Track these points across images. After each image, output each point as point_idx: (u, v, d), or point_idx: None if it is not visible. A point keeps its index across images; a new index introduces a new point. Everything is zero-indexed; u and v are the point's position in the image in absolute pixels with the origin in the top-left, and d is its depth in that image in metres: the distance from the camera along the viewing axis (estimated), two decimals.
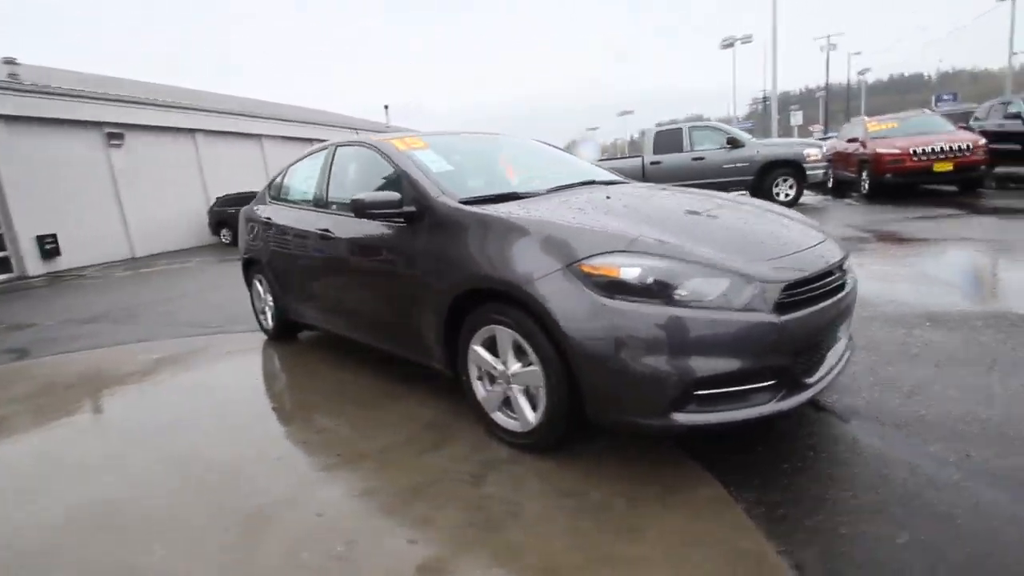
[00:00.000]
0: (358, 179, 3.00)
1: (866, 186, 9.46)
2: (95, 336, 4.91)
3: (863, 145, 9.65)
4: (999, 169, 9.79)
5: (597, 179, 2.83)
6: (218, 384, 3.31)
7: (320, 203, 3.18)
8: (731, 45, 27.24)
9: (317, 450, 2.28)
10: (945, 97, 31.69)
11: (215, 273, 9.14)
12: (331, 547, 1.63)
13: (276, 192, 3.81)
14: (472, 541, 1.60)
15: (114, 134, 13.99)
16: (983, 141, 8.32)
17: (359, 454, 2.21)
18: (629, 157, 11.84)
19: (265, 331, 4.15)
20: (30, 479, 2.29)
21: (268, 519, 1.81)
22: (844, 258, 2.00)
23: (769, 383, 1.69)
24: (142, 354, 4.03)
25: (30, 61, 12.99)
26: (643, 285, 1.67)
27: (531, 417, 1.99)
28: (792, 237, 1.97)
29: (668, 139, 10.43)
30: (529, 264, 1.86)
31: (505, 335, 1.99)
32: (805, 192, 9.70)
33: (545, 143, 3.54)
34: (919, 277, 4.02)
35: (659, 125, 11.17)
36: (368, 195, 2.39)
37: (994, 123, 9.62)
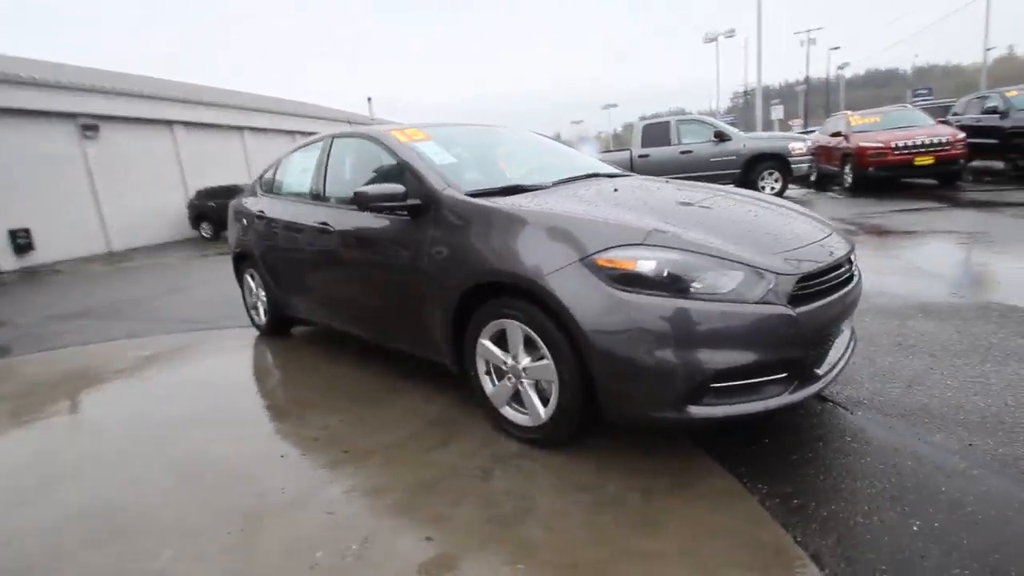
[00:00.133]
0: (357, 171, 2.95)
1: (849, 179, 9.62)
2: (80, 333, 4.77)
3: (846, 139, 9.81)
4: (975, 163, 10.04)
5: (600, 172, 2.82)
6: (214, 381, 3.24)
7: (317, 196, 3.12)
8: (714, 40, 27.41)
9: (322, 447, 2.25)
10: (920, 91, 32.33)
11: (198, 268, 8.95)
12: (346, 546, 1.61)
13: (269, 185, 3.73)
14: (489, 537, 1.59)
15: (89, 126, 13.55)
16: (962, 135, 8.52)
17: (365, 451, 2.18)
18: (617, 150, 11.86)
19: (257, 327, 4.07)
20: (25, 481, 2.21)
21: (277, 518, 1.78)
22: (851, 251, 2.02)
23: (782, 375, 1.70)
24: (132, 351, 3.93)
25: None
26: (659, 278, 1.67)
27: (542, 411, 1.99)
28: (801, 230, 1.99)
29: (656, 132, 10.47)
30: (543, 257, 1.84)
31: (516, 329, 1.98)
32: (788, 186, 9.83)
33: (543, 135, 3.52)
34: (907, 269, 4.11)
35: (643, 119, 11.21)
36: (371, 188, 2.35)
37: (971, 118, 9.85)
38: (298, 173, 3.42)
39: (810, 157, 9.93)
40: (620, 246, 1.74)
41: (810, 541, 1.46)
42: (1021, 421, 1.93)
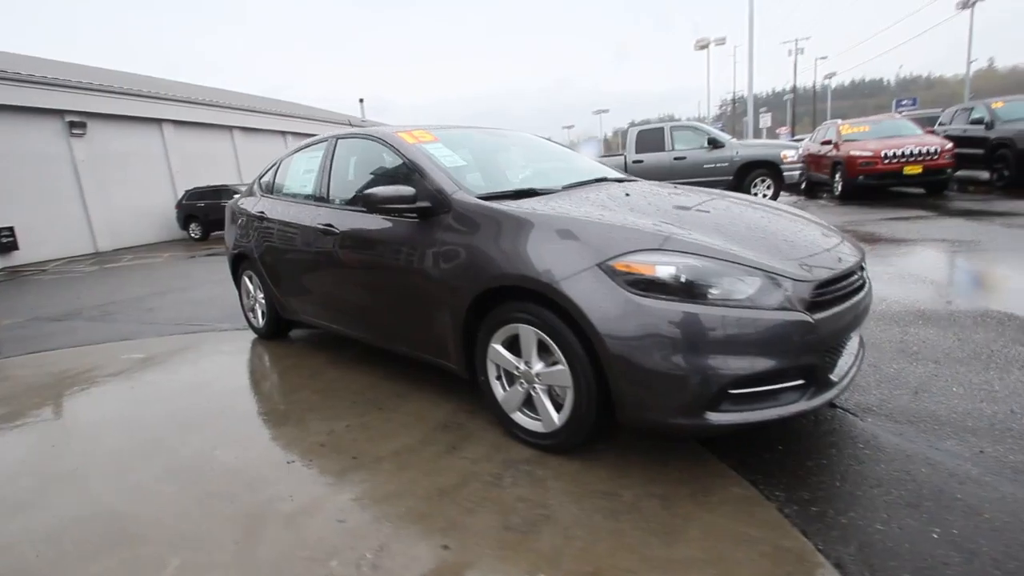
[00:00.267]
0: (362, 173, 2.91)
1: (839, 187, 9.76)
2: (70, 334, 4.67)
3: (836, 147, 9.96)
4: (961, 173, 10.24)
5: (608, 176, 2.82)
6: (213, 384, 3.17)
7: (320, 197, 3.08)
8: (705, 47, 27.72)
9: (329, 453, 2.21)
10: (905, 102, 32.98)
11: (188, 269, 8.82)
12: (360, 554, 1.58)
13: (269, 186, 3.68)
14: (508, 545, 1.57)
15: (76, 123, 13.33)
16: (950, 145, 8.67)
17: (375, 456, 2.14)
18: (610, 155, 11.94)
19: (255, 329, 4.01)
20: (20, 488, 2.14)
21: (287, 526, 1.74)
22: (862, 258, 2.04)
23: (799, 382, 1.70)
24: (125, 353, 3.85)
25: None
26: (678, 284, 1.66)
27: (555, 417, 1.97)
28: (815, 237, 2.00)
29: (650, 138, 10.55)
30: (559, 261, 1.83)
31: (529, 333, 1.96)
32: (780, 193, 9.95)
33: (548, 139, 3.51)
34: (903, 277, 4.16)
35: (633, 124, 11.30)
36: (381, 189, 2.32)
37: (958, 128, 10.05)
38: (300, 174, 3.38)
39: (801, 165, 10.07)
40: (638, 251, 1.74)
41: (832, 549, 1.45)
42: None
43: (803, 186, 11.17)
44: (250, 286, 3.91)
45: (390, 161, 2.73)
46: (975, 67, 32.10)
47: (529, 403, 2.09)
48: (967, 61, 28.30)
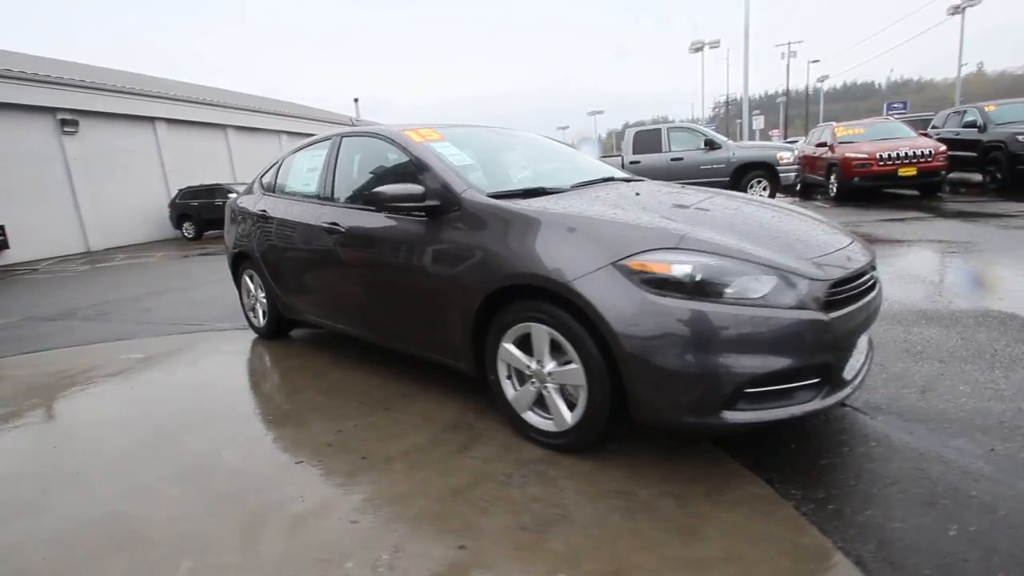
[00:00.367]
0: (368, 171, 2.89)
1: (834, 189, 9.83)
2: (66, 334, 4.60)
3: (831, 149, 10.03)
4: (953, 175, 10.34)
5: (616, 176, 2.82)
6: (215, 384, 3.14)
7: (324, 196, 3.05)
8: (700, 49, 27.86)
9: (338, 453, 2.18)
10: (895, 105, 33.28)
11: (183, 269, 8.74)
12: (376, 555, 1.56)
13: (271, 184, 3.65)
14: (525, 545, 1.56)
15: (68, 121, 13.18)
16: (944, 148, 8.76)
17: (385, 457, 2.12)
18: (606, 156, 11.96)
19: (256, 329, 3.98)
20: (22, 491, 2.10)
21: (300, 528, 1.72)
22: (874, 258, 2.05)
23: (814, 380, 1.71)
24: (124, 353, 3.80)
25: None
26: (694, 283, 1.66)
27: (568, 417, 1.96)
28: (827, 237, 2.00)
29: (647, 140, 10.60)
30: (573, 260, 1.82)
31: (542, 333, 1.95)
32: (776, 194, 10.01)
33: (552, 139, 3.51)
34: (903, 277, 4.19)
35: (627, 125, 11.36)
36: (389, 188, 2.31)
37: (950, 131, 10.16)
38: (303, 173, 3.36)
39: (797, 166, 10.15)
40: (654, 250, 1.73)
41: (851, 547, 1.45)
42: None
43: (798, 187, 11.26)
44: (251, 285, 3.87)
45: (396, 159, 2.71)
46: (964, 71, 32.48)
47: (540, 402, 2.08)
48: (958, 65, 28.64)
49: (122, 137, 14.79)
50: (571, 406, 1.97)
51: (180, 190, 14.83)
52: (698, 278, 1.66)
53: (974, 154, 9.28)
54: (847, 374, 1.84)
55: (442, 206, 2.30)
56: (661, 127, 10.77)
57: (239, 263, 3.96)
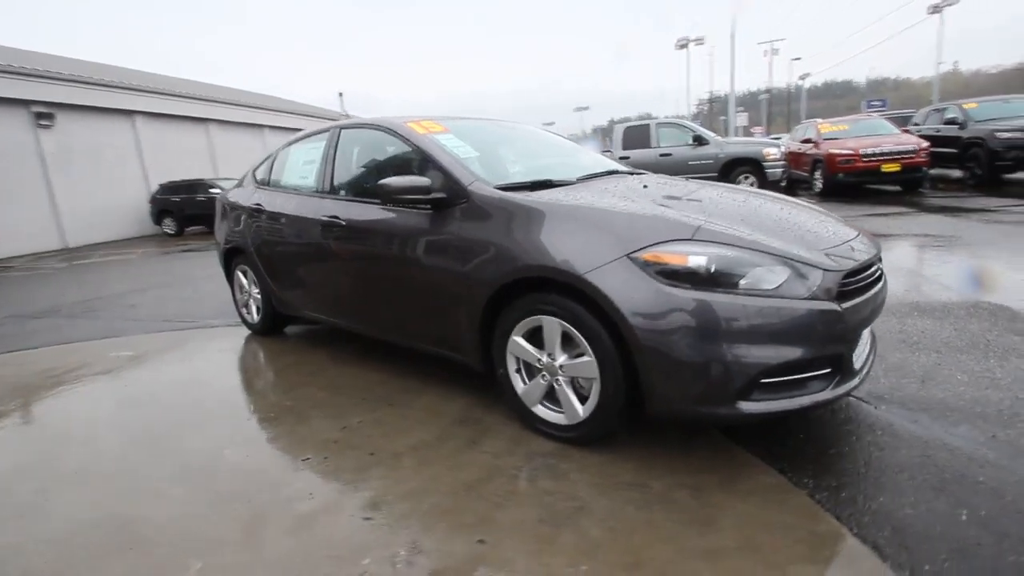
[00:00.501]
0: (369, 164, 2.85)
1: (819, 184, 9.98)
2: (53, 332, 4.47)
3: (816, 146, 10.18)
4: (934, 171, 10.57)
5: (619, 169, 2.81)
6: (211, 382, 3.07)
7: (323, 189, 3.00)
8: (685, 46, 28.04)
9: (344, 450, 2.15)
10: (874, 103, 33.88)
11: (167, 265, 8.56)
12: (393, 552, 1.54)
13: (265, 177, 3.58)
14: (545, 538, 1.55)
15: (43, 114, 12.80)
16: (926, 144, 8.94)
17: (393, 453, 2.10)
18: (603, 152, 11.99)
19: (249, 325, 3.91)
20: (19, 492, 2.03)
21: (312, 525, 1.69)
22: (880, 250, 2.07)
23: (826, 370, 1.72)
24: (114, 351, 3.70)
25: None
26: (710, 274, 1.66)
27: (580, 409, 1.96)
28: (835, 228, 2.03)
29: (636, 135, 10.65)
30: (587, 252, 1.81)
31: (554, 325, 1.94)
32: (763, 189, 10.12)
33: (552, 132, 3.49)
34: (892, 270, 4.24)
35: (612, 122, 11.41)
36: (395, 180, 2.27)
37: (931, 128, 10.36)
38: (300, 166, 3.29)
39: (783, 162, 10.27)
40: (669, 241, 1.73)
41: (867, 533, 1.47)
42: None
43: (783, 183, 11.41)
44: (244, 281, 3.80)
45: (399, 152, 2.68)
46: (941, 69, 33.17)
47: (551, 396, 2.08)
48: (936, 64, 29.24)
49: (101, 131, 14.41)
50: (582, 399, 1.96)
51: (160, 185, 14.51)
52: (714, 269, 1.67)
53: (954, 150, 9.48)
54: (855, 364, 1.86)
55: (448, 199, 2.27)
56: (650, 123, 10.83)
57: (231, 258, 3.88)
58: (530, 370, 2.13)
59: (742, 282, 1.66)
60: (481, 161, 2.51)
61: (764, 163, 9.97)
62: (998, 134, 8.39)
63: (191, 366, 3.40)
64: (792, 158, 11.18)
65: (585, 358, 1.88)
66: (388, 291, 2.63)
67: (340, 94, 30.20)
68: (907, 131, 10.35)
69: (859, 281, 1.81)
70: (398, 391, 2.69)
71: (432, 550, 1.54)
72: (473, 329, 2.21)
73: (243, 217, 3.61)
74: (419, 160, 2.49)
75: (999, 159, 8.43)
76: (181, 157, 16.68)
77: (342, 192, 2.91)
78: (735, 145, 10.55)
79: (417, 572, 1.46)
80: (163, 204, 14.30)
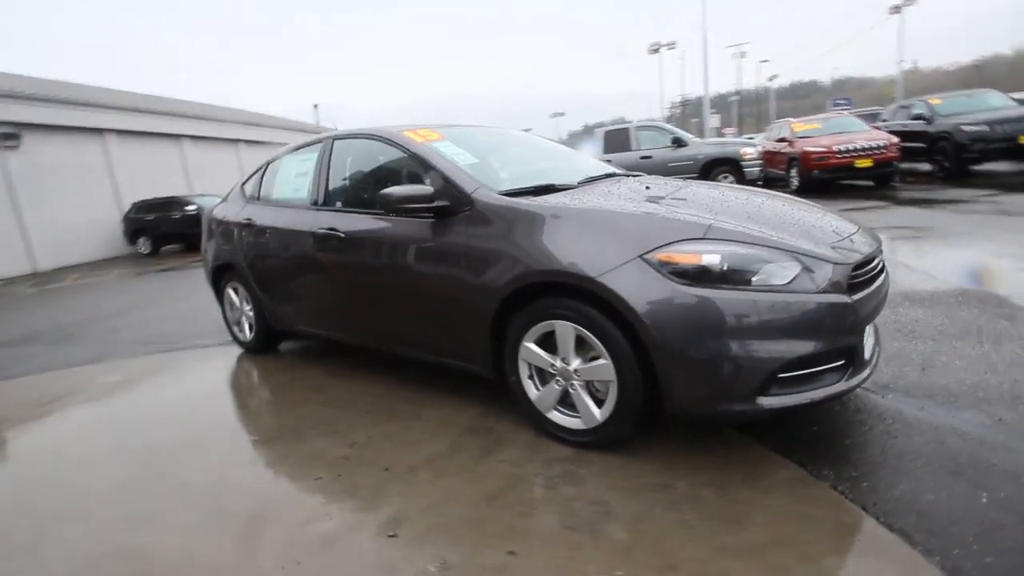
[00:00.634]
0: (366, 174, 2.82)
1: (795, 181, 10.20)
2: (33, 360, 4.30)
3: (791, 144, 10.41)
4: (903, 165, 10.90)
5: (616, 172, 2.83)
6: (209, 404, 2.98)
7: (319, 201, 2.95)
8: (657, 51, 28.55)
9: (356, 466, 2.11)
10: (840, 101, 34.89)
11: (145, 287, 8.33)
12: (423, 568, 1.51)
13: (255, 191, 3.51)
14: (575, 545, 1.54)
15: (9, 134, 12.39)
16: (896, 140, 9.22)
17: (408, 466, 2.06)
18: None
19: (241, 344, 3.82)
20: (16, 528, 1.94)
21: (334, 546, 1.64)
22: (880, 243, 2.12)
23: (840, 362, 1.75)
24: (100, 376, 3.57)
25: None
26: (724, 272, 1.68)
27: (596, 413, 1.95)
28: (837, 223, 2.07)
29: (617, 139, 10.76)
30: (599, 255, 1.81)
31: (567, 329, 1.93)
32: None
33: (544, 137, 3.50)
34: None
35: (586, 127, 11.56)
36: (397, 189, 2.25)
37: (899, 123, 10.69)
38: (292, 178, 3.24)
39: (760, 161, 10.49)
40: (682, 241, 1.74)
41: (893, 521, 1.49)
42: None
43: (760, 182, 11.65)
44: (235, 298, 3.71)
45: (396, 160, 2.65)
46: (902, 68, 34.35)
47: (564, 401, 2.06)
48: (898, 62, 30.27)
49: (70, 150, 14.01)
50: (599, 402, 1.96)
51: (134, 204, 14.14)
52: (727, 267, 1.68)
53: (922, 145, 9.79)
54: (865, 355, 1.89)
55: (452, 206, 2.26)
56: (629, 126, 10.96)
57: (221, 276, 3.79)
58: (542, 376, 2.11)
59: (755, 279, 1.68)
60: (481, 167, 2.50)
61: (742, 162, 10.17)
62: (964, 128, 8.69)
63: (184, 388, 3.30)
64: (768, 157, 11.41)
65: (601, 361, 1.87)
66: (391, 302, 2.59)
67: (315, 106, 30.05)
68: (877, 127, 10.66)
69: (865, 274, 1.85)
70: (402, 403, 2.65)
71: (462, 564, 1.51)
72: (483, 337, 2.19)
73: (233, 233, 3.53)
74: (419, 168, 2.47)
75: (966, 152, 8.73)
76: (154, 174, 16.30)
77: (339, 203, 2.87)
78: (713, 146, 10.75)
79: None
80: (137, 223, 13.94)
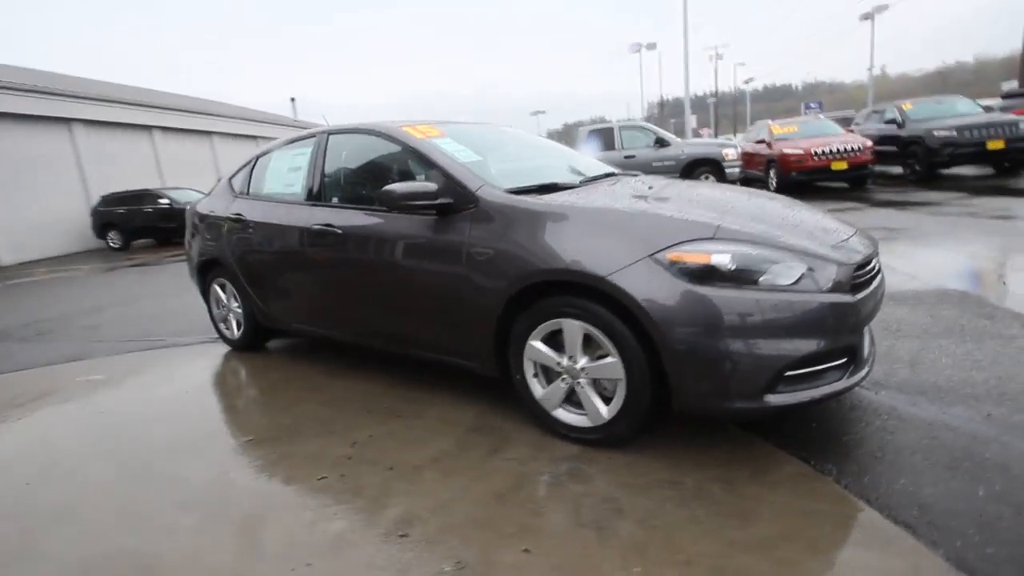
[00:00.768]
0: (364, 170, 2.78)
1: (774, 183, 10.43)
2: (5, 358, 4.11)
3: (769, 146, 10.64)
4: (876, 168, 11.23)
5: (615, 171, 2.85)
6: (200, 403, 2.90)
7: (313, 196, 2.90)
8: (638, 51, 28.81)
9: (360, 465, 2.08)
10: (812, 105, 35.78)
11: (119, 282, 8.07)
12: (438, 568, 1.49)
13: (244, 186, 3.43)
14: (589, 543, 1.54)
15: None
16: (871, 143, 9.49)
17: (413, 465, 2.04)
18: None
19: (228, 341, 3.73)
20: (5, 534, 1.86)
21: (344, 547, 1.62)
22: (877, 245, 2.18)
23: (842, 360, 1.79)
24: (81, 375, 3.44)
25: None
26: (732, 271, 1.70)
27: (603, 411, 1.96)
28: (836, 225, 2.12)
29: (600, 138, 10.82)
30: (609, 254, 1.82)
31: (574, 328, 1.94)
32: None
33: (539, 136, 3.50)
34: None
35: (566, 125, 11.61)
36: (399, 186, 2.22)
37: (873, 127, 11.01)
38: (284, 173, 3.17)
39: (741, 162, 10.69)
40: (691, 240, 1.76)
41: (897, 514, 1.54)
42: (1022, 391, 2.15)
43: (738, 182, 11.87)
44: (222, 295, 3.62)
45: (396, 157, 2.62)
46: (871, 73, 35.39)
47: (571, 399, 2.07)
48: (869, 68, 31.14)
49: (34, 141, 13.45)
50: (606, 400, 1.97)
51: (103, 196, 13.66)
52: (736, 267, 1.71)
53: (894, 148, 10.10)
54: (864, 354, 1.95)
55: (455, 204, 2.24)
56: (613, 126, 11.03)
57: (207, 272, 3.69)
58: (548, 374, 2.12)
59: (763, 279, 1.71)
60: (483, 165, 2.49)
61: (724, 163, 10.34)
62: (935, 133, 9.00)
63: (171, 387, 3.20)
64: (747, 158, 11.63)
65: (609, 359, 1.88)
66: (389, 299, 2.56)
67: (292, 99, 29.46)
68: (851, 131, 10.96)
69: (865, 274, 1.90)
70: (402, 401, 2.62)
71: (477, 563, 1.50)
72: (487, 335, 2.18)
73: (221, 228, 3.44)
74: (419, 165, 2.44)
75: (936, 156, 9.04)
76: (125, 167, 15.78)
77: (335, 199, 2.82)
78: (696, 147, 10.91)
79: None
80: (106, 216, 13.48)
